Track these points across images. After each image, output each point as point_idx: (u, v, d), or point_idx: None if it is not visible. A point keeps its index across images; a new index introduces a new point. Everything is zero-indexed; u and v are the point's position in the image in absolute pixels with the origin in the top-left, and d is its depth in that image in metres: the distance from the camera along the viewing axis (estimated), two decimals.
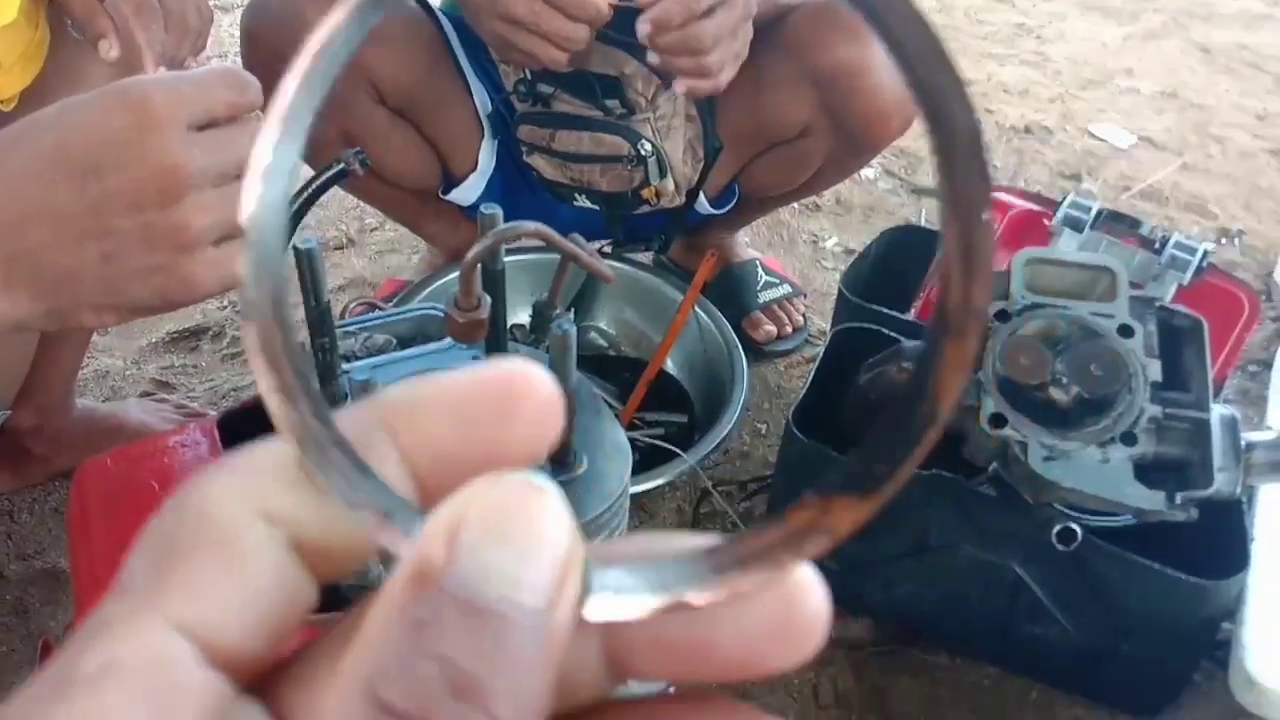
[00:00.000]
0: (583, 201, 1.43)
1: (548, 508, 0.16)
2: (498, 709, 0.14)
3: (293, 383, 0.17)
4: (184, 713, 0.15)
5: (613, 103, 1.31)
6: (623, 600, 0.16)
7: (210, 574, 0.16)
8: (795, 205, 1.84)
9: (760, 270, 1.62)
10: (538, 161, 1.40)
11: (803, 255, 1.83)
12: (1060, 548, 0.94)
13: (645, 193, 1.38)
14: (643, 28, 1.13)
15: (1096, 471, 0.90)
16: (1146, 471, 0.92)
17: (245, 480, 0.17)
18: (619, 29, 1.21)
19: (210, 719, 0.16)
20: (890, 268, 1.46)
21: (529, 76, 1.33)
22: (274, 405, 0.17)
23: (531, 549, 0.15)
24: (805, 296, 1.65)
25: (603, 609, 0.16)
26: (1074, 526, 0.93)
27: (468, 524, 0.15)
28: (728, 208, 1.52)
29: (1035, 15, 3.02)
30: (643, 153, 1.33)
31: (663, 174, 1.36)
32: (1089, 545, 0.97)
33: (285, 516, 0.17)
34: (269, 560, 0.17)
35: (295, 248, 0.64)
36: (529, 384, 0.18)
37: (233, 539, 0.17)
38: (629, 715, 0.19)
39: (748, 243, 1.72)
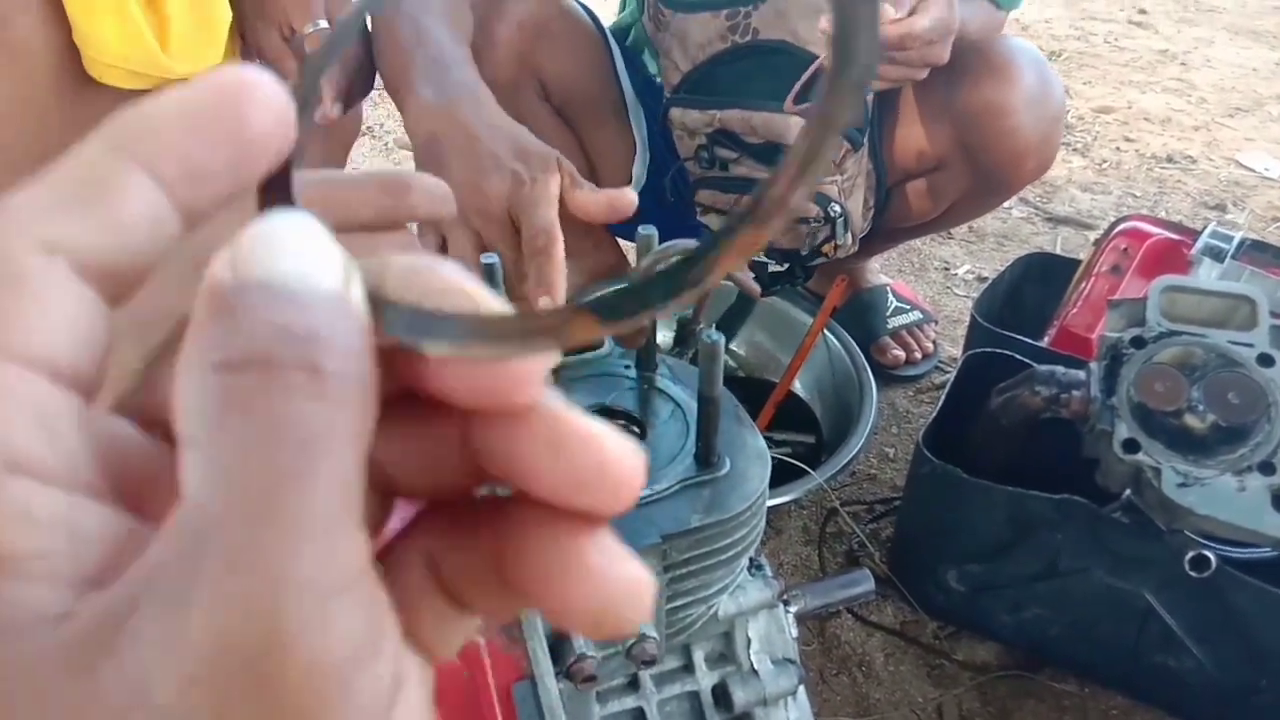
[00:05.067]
0: (757, 255, 1.47)
1: (318, 231, 0.17)
2: (329, 363, 0.16)
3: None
4: (65, 434, 0.17)
5: None
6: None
7: (19, 318, 0.16)
8: None
9: (890, 296, 1.64)
10: (713, 220, 1.44)
11: (934, 282, 1.84)
12: (1193, 574, 0.94)
13: (825, 248, 1.41)
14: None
15: (1232, 500, 0.90)
16: None
17: (14, 216, 0.17)
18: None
19: (106, 438, 0.18)
20: (1023, 296, 1.47)
21: (707, 142, 1.37)
22: None
23: (309, 253, 0.17)
24: (936, 323, 1.66)
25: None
26: (1208, 554, 0.93)
27: (243, 245, 0.17)
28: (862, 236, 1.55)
29: (1179, 41, 2.95)
30: (832, 214, 1.36)
31: (846, 230, 1.40)
32: (1225, 576, 0.96)
33: (66, 244, 0.17)
34: (69, 294, 0.17)
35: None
36: (250, 83, 0.18)
37: (23, 276, 0.16)
38: (486, 509, 0.20)
39: (878, 269, 1.75)
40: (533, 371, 0.18)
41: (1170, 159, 2.28)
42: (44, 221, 0.17)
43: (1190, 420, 0.94)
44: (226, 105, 0.18)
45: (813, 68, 1.16)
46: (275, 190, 0.19)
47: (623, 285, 0.17)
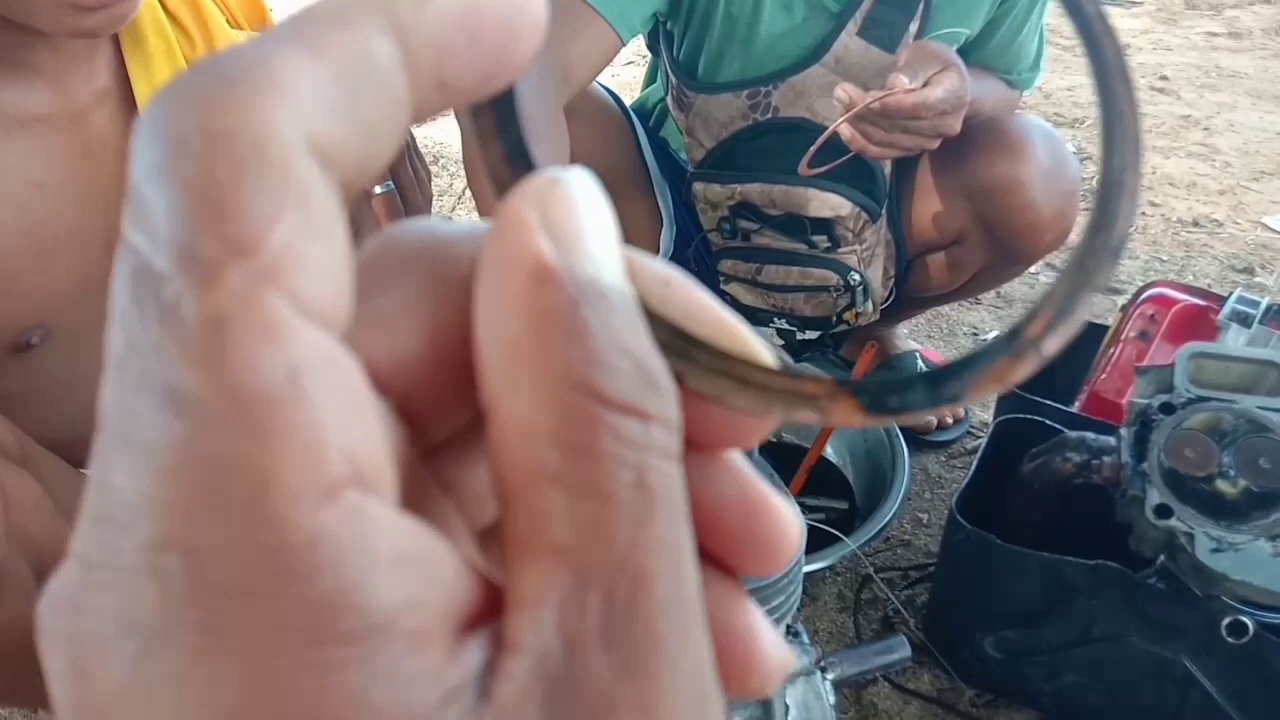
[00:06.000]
0: (780, 324, 1.51)
1: (603, 202, 0.16)
2: (673, 413, 0.15)
3: None
4: (371, 416, 0.13)
5: (820, 238, 1.39)
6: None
7: (304, 239, 0.13)
8: None
9: (920, 362, 1.66)
10: (735, 289, 1.48)
11: (962, 347, 1.86)
12: (1230, 641, 0.94)
13: (847, 316, 1.45)
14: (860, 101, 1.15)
15: (1267, 565, 0.90)
16: None
17: (289, 100, 0.13)
18: (833, 173, 1.29)
19: (381, 416, 0.14)
20: (1053, 361, 1.48)
21: (729, 214, 1.42)
22: None
23: (609, 239, 0.15)
24: None
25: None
26: (1244, 619, 0.93)
27: (554, 208, 0.15)
28: (884, 305, 1.58)
29: (1201, 106, 2.98)
30: (852, 283, 1.40)
31: (866, 298, 1.43)
32: (1264, 641, 0.96)
33: (331, 148, 0.13)
34: (334, 208, 0.14)
35: None
36: (536, 13, 0.16)
37: (305, 188, 0.13)
38: None
39: (907, 334, 1.77)
40: (768, 429, 0.18)
41: (1196, 223, 2.30)
42: (313, 108, 0.13)
43: (1222, 485, 0.95)
44: (506, 11, 0.15)
45: (825, 135, 1.21)
46: (503, 117, 0.17)
47: (886, 380, 0.17)
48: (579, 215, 0.15)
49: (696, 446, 0.17)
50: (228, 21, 0.96)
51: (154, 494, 0.12)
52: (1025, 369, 0.16)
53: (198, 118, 0.13)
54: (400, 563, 0.13)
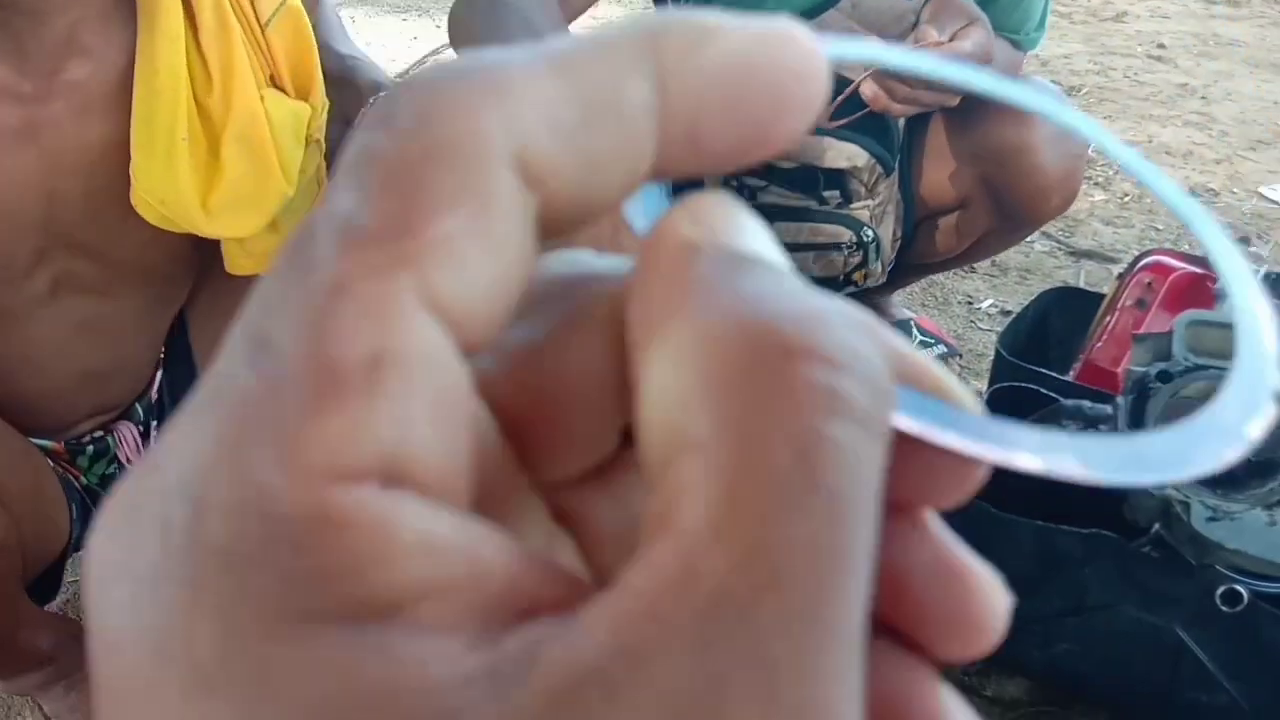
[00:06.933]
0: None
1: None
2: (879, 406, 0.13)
3: None
4: (457, 421, 0.12)
5: (832, 193, 1.37)
6: None
7: (467, 240, 0.12)
8: None
9: (915, 330, 1.65)
10: None
11: (957, 316, 1.85)
12: (1225, 609, 0.94)
13: (856, 276, 1.43)
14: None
15: (1263, 534, 0.90)
16: None
17: (507, 107, 0.13)
18: (850, 122, 1.28)
19: (474, 425, 0.13)
20: (1048, 330, 1.48)
21: (735, 172, 1.41)
22: None
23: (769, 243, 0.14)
24: (960, 356, 1.67)
25: None
26: (1239, 588, 0.93)
27: (710, 213, 0.14)
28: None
29: (1199, 75, 2.96)
30: (865, 239, 1.39)
31: (878, 257, 1.42)
32: (1258, 611, 0.96)
33: (541, 168, 0.13)
34: (518, 229, 0.13)
35: None
36: (811, 69, 0.14)
37: (491, 195, 0.13)
38: None
39: (900, 303, 1.76)
40: (973, 485, 0.15)
41: (1193, 192, 2.28)
42: (535, 124, 0.13)
43: None
44: (781, 79, 0.14)
45: (849, 89, 1.19)
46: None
47: (1102, 437, 0.15)
48: (730, 214, 0.14)
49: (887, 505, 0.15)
50: (271, 78, 0.92)
51: (196, 441, 0.12)
52: (1235, 454, 0.16)
53: (416, 105, 0.13)
54: (424, 551, 0.12)
